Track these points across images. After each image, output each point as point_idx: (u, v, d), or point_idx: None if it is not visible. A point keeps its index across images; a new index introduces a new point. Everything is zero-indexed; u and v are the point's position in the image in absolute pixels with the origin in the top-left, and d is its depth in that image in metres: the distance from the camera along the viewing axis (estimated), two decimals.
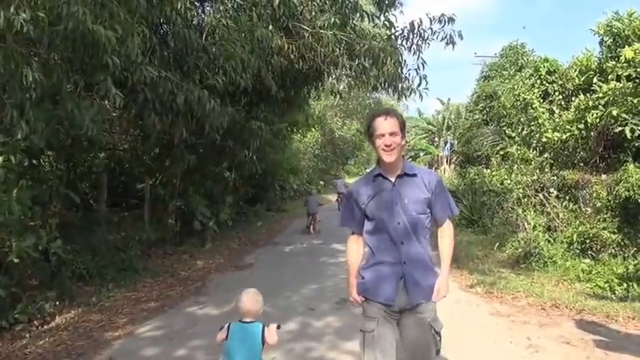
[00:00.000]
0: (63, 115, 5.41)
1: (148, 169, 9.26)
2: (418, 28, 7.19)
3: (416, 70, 7.23)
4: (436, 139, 38.22)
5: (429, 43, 7.18)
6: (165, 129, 7.00)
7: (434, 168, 37.35)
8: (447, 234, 2.77)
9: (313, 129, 22.10)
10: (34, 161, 6.36)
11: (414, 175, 2.67)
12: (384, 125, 2.58)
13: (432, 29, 7.16)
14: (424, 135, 39.77)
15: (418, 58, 7.22)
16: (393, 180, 2.65)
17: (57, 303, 5.68)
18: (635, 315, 5.56)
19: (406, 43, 7.48)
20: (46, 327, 5.19)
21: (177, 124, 6.94)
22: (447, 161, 33.34)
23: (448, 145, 32.73)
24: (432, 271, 2.68)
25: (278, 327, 3.16)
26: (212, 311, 5.90)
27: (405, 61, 7.38)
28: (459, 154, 23.62)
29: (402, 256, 2.60)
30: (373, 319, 2.65)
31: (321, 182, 23.45)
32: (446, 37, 6.98)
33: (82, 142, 7.12)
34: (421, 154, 39.87)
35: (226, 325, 3.09)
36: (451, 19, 6.99)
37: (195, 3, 7.44)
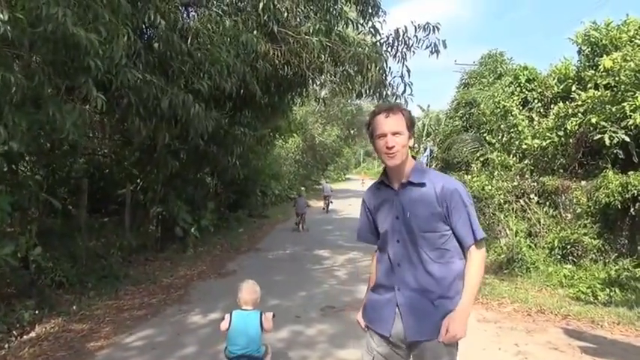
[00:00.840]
0: (44, 120, 5.26)
1: (128, 174, 9.08)
2: (403, 35, 7.23)
3: (401, 77, 7.28)
4: (416, 145, 38.64)
5: (414, 52, 7.24)
6: (149, 134, 6.88)
7: None
8: (473, 262, 2.21)
9: (295, 135, 22.21)
10: (13, 166, 6.17)
11: (422, 184, 2.21)
12: (386, 124, 2.17)
13: (416, 37, 7.22)
14: None
15: (403, 66, 7.27)
16: (396, 189, 2.26)
17: (36, 312, 5.48)
18: (619, 320, 5.66)
19: (391, 51, 7.52)
20: (25, 337, 5.01)
21: (161, 128, 6.84)
22: (427, 166, 33.68)
23: (428, 151, 33.08)
24: (442, 303, 2.16)
25: (273, 316, 3.61)
26: (197, 320, 5.78)
27: (389, 68, 7.42)
28: (439, 161, 23.89)
29: (397, 281, 2.22)
30: (369, 353, 2.33)
31: (302, 188, 23.46)
32: (430, 45, 7.04)
33: (62, 146, 6.94)
34: None
35: (228, 314, 3.50)
36: (436, 28, 7.05)
37: (180, 8, 7.36)
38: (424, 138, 36.59)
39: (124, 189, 8.94)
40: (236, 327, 3.45)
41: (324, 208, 19.91)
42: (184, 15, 7.75)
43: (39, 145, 6.35)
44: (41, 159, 7.03)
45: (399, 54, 7.30)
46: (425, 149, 34.74)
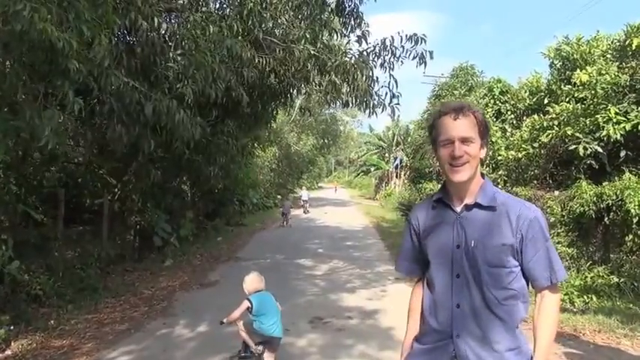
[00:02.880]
0: (23, 126, 5.02)
1: (105, 183, 8.78)
2: (390, 45, 7.29)
3: (388, 86, 7.32)
4: (386, 154, 39.19)
5: (402, 62, 7.30)
6: (132, 141, 6.68)
7: (384, 183, 38.31)
8: (546, 308, 1.78)
9: (273, 144, 22.34)
10: None
11: (492, 207, 1.78)
12: (454, 127, 1.75)
13: (403, 47, 7.29)
14: (375, 151, 40.69)
15: (390, 76, 7.32)
16: (458, 210, 1.83)
17: (12, 328, 5.22)
18: (600, 328, 5.80)
19: (377, 60, 7.56)
20: (1, 355, 4.74)
21: (145, 135, 6.65)
22: (396, 176, 34.22)
23: (398, 160, 33.65)
24: (513, 357, 1.75)
25: None
26: (183, 333, 5.61)
27: (377, 77, 7.46)
28: (412, 170, 24.25)
29: (455, 326, 1.77)
30: None
31: (278, 196, 23.54)
32: (417, 55, 7.11)
33: (37, 154, 6.66)
34: (372, 169, 40.77)
35: (246, 299, 3.96)
36: (422, 39, 7.14)
37: (163, 14, 7.21)
38: (394, 147, 37.25)
39: (101, 198, 8.64)
40: (264, 304, 3.97)
41: (305, 212, 23.21)
42: (168, 20, 7.61)
43: (16, 153, 6.06)
44: (19, 168, 6.71)
45: (386, 64, 7.35)
46: (395, 159, 35.41)
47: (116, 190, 8.88)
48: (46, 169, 8.10)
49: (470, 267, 1.76)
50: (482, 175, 1.87)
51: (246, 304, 3.95)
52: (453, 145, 1.75)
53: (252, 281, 4.10)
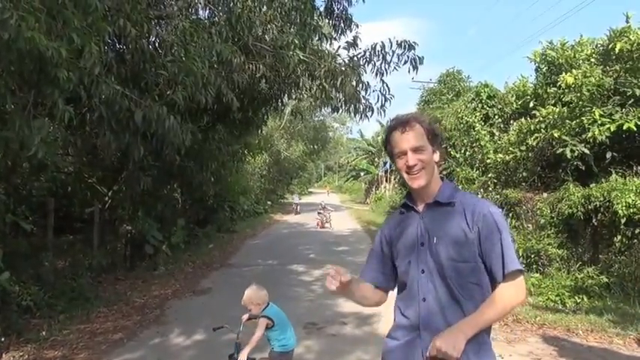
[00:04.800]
0: (12, 136, 4.96)
1: (96, 192, 8.70)
2: (381, 50, 7.35)
3: (380, 91, 7.37)
4: (376, 159, 39.37)
5: (395, 68, 7.35)
6: (122, 148, 6.64)
7: (374, 187, 38.47)
8: (495, 293, 1.79)
9: (263, 151, 22.35)
10: None
11: (450, 203, 1.88)
12: (403, 140, 1.87)
13: (393, 52, 7.35)
14: (365, 156, 40.89)
15: (382, 82, 7.37)
16: (420, 211, 1.94)
17: (2, 339, 5.14)
18: (592, 328, 5.87)
19: (367, 65, 7.62)
20: None
21: (135, 143, 6.61)
22: (386, 180, 34.38)
23: (387, 165, 33.83)
24: (477, 349, 1.76)
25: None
26: (178, 342, 5.57)
27: (367, 82, 7.50)
28: (398, 173, 24.37)
29: (422, 320, 1.83)
30: None
31: (269, 202, 23.49)
32: (408, 60, 7.18)
33: (31, 164, 6.59)
34: (362, 174, 40.92)
35: (264, 319, 3.65)
36: (412, 46, 7.21)
37: (153, 21, 7.20)
38: (383, 152, 37.49)
39: (92, 207, 8.56)
40: (279, 317, 3.73)
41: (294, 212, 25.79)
42: (157, 27, 7.59)
43: (5, 163, 5.99)
44: (8, 177, 6.63)
45: (376, 69, 7.41)
46: (384, 163, 35.60)
47: (106, 198, 8.80)
48: (36, 179, 8.01)
49: (434, 262, 1.84)
50: (442, 178, 1.99)
51: (264, 322, 3.63)
52: (407, 155, 1.87)
53: (257, 293, 3.71)
